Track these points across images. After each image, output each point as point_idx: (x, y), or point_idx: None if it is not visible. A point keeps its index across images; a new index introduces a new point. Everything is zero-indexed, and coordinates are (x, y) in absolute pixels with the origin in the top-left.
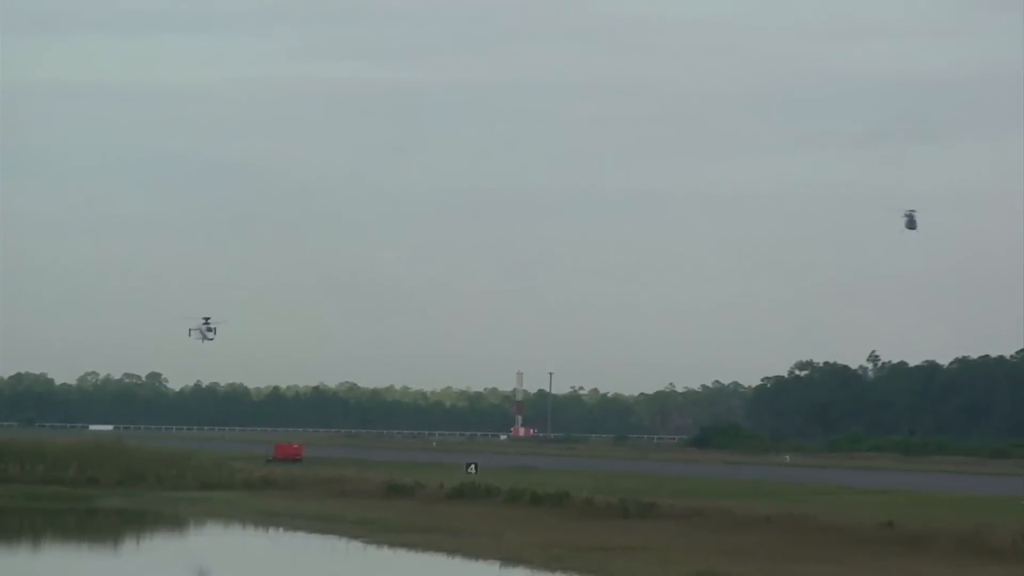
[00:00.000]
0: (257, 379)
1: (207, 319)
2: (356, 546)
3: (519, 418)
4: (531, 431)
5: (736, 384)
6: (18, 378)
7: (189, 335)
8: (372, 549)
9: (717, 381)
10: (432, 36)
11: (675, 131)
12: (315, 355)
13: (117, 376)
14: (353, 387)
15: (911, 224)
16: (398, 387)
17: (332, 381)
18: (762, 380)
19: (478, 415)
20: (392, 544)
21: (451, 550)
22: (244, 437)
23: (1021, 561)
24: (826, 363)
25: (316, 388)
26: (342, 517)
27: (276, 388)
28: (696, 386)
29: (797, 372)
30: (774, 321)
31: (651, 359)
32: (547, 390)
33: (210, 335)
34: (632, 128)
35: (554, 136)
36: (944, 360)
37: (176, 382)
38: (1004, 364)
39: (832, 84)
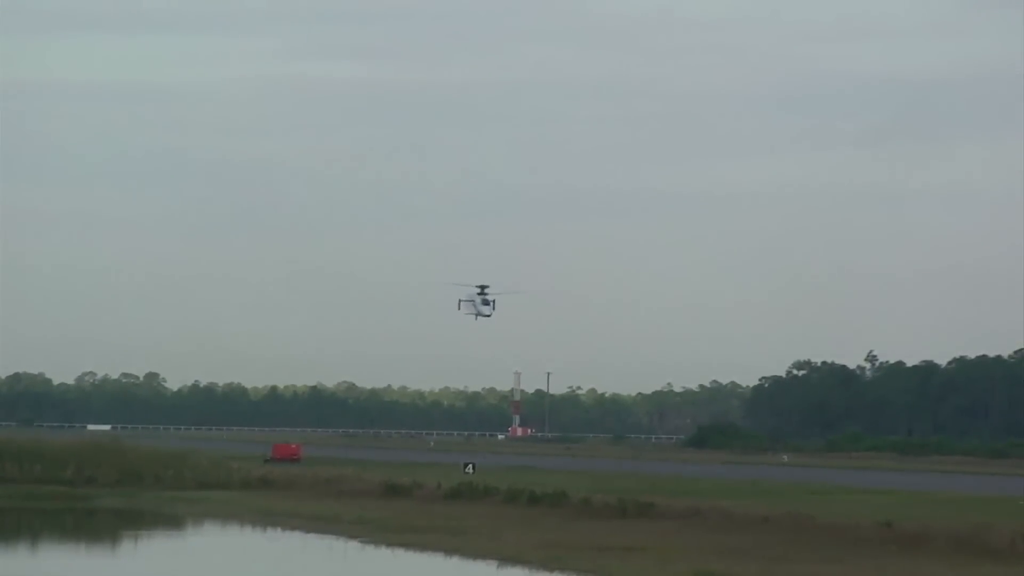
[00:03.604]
0: (255, 379)
1: (483, 288)
2: (354, 546)
3: (517, 418)
4: (529, 431)
5: (734, 384)
6: (16, 378)
7: (459, 308)
8: (370, 549)
9: (715, 381)
10: (432, 36)
11: (675, 131)
12: (313, 355)
13: (115, 376)
14: (351, 387)
15: None
16: (396, 387)
17: (330, 381)
18: (760, 380)
19: (476, 415)
20: (390, 544)
21: (449, 550)
22: (242, 437)
23: (1019, 561)
24: (824, 363)
25: (314, 388)
26: (340, 517)
27: (274, 388)
28: (694, 386)
29: (795, 372)
30: (772, 321)
31: (649, 359)
32: (545, 390)
33: (486, 310)
34: (632, 128)
35: (554, 136)
36: (942, 360)
37: (174, 382)
38: (1002, 364)
39: (832, 84)
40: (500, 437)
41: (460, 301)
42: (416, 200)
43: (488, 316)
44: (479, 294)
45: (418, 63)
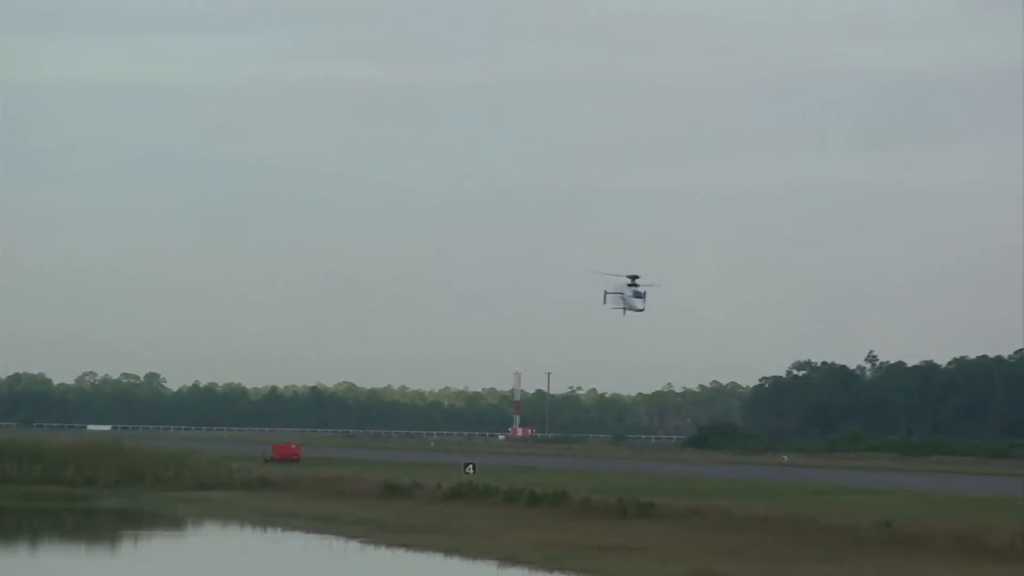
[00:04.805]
0: (255, 379)
1: (634, 279)
2: (354, 546)
3: (517, 418)
4: (529, 431)
5: (734, 384)
6: (16, 378)
7: (604, 302)
8: (370, 549)
9: (715, 381)
10: (432, 36)
11: (675, 131)
12: (313, 355)
13: (115, 376)
14: (351, 387)
15: None
16: (396, 387)
17: (330, 381)
18: (760, 380)
19: (476, 415)
20: (390, 544)
21: (449, 550)
22: (242, 437)
23: (1019, 561)
24: (824, 363)
25: (314, 388)
26: (340, 517)
27: (274, 388)
28: (694, 386)
29: (795, 372)
30: (772, 321)
31: (649, 359)
32: (545, 390)
33: (638, 303)
34: (632, 128)
35: (554, 136)
36: (942, 360)
37: (174, 382)
38: (1002, 364)
39: (832, 84)
40: (500, 437)
41: (606, 294)
42: (416, 200)
43: (640, 311)
44: (630, 285)
45: (418, 63)
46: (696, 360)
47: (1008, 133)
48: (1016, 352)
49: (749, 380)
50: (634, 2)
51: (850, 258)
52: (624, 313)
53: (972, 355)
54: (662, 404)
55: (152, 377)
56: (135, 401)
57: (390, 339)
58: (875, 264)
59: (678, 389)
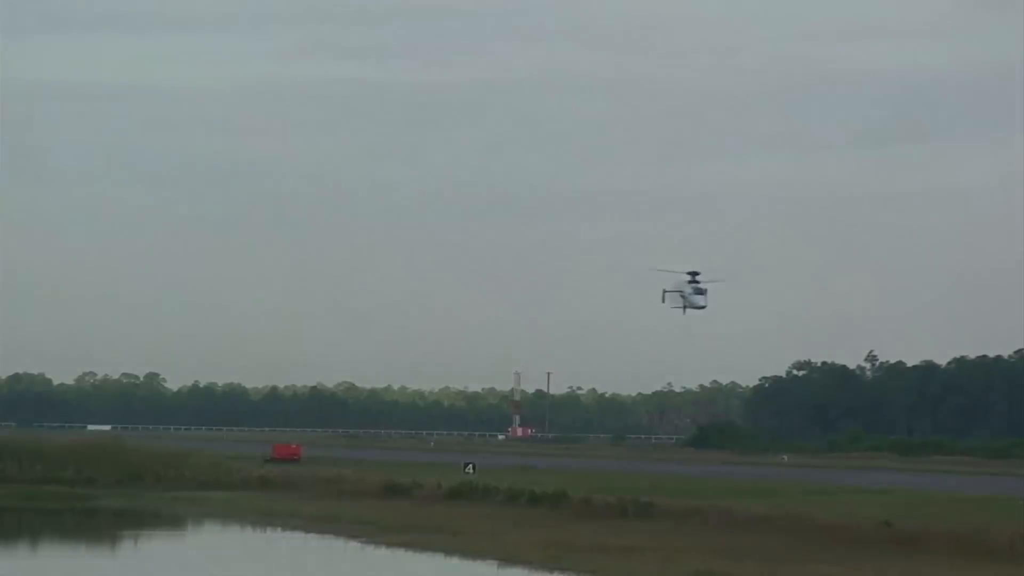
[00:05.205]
0: (255, 379)
1: (694, 275)
2: (354, 546)
3: (517, 418)
4: (529, 431)
5: (734, 384)
6: (16, 378)
7: (663, 301)
8: (370, 549)
9: (715, 381)
10: (432, 36)
11: (675, 131)
12: (313, 355)
13: (115, 376)
14: (351, 387)
15: None
16: (396, 387)
17: (330, 381)
18: (760, 380)
19: (476, 415)
20: (390, 544)
21: (449, 550)
22: (242, 437)
23: (1018, 561)
24: (824, 363)
25: (314, 388)
26: (340, 517)
27: (274, 388)
28: (694, 386)
29: (795, 372)
30: (772, 321)
31: (649, 359)
32: (545, 390)
33: (700, 300)
34: (632, 128)
35: (554, 136)
36: (942, 360)
37: (174, 382)
38: (1002, 364)
39: (832, 84)
40: (500, 437)
41: (665, 292)
42: (416, 200)
43: (702, 308)
44: (690, 282)
45: (418, 63)
46: (696, 360)
47: (1008, 133)
48: (1016, 352)
49: (749, 380)
50: (634, 2)
51: (849, 257)
52: (684, 311)
53: (972, 355)
54: (662, 404)
55: (152, 377)
56: (135, 401)
57: (390, 339)
58: (875, 264)
59: (678, 389)
